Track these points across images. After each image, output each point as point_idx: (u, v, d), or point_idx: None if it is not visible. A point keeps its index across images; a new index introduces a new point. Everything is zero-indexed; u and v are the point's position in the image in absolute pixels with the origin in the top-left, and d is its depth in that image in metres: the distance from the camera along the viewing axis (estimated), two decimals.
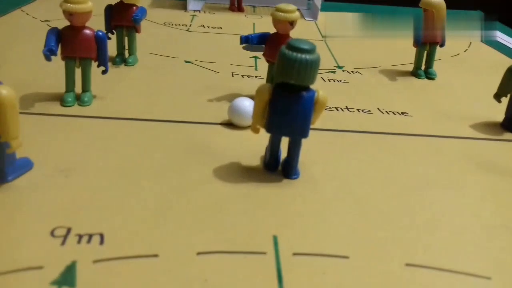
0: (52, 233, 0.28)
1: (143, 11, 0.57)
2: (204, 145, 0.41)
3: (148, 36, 0.66)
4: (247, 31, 0.78)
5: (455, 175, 0.40)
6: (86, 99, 0.46)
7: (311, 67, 0.32)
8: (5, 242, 0.28)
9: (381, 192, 0.36)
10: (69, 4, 0.43)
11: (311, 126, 0.36)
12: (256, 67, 0.62)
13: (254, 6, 0.95)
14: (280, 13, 0.46)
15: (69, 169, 0.35)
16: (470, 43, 0.82)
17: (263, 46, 0.49)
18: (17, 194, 0.32)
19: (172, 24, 0.79)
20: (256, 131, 0.36)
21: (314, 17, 0.90)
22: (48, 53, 0.43)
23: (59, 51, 0.44)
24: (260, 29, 0.80)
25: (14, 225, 0.29)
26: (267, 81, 0.50)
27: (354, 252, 0.29)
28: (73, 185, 0.34)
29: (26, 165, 0.35)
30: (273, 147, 0.37)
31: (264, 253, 0.28)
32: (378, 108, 0.51)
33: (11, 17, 0.74)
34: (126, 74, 0.55)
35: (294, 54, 0.32)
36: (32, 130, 0.41)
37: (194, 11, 0.88)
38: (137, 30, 0.58)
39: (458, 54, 0.74)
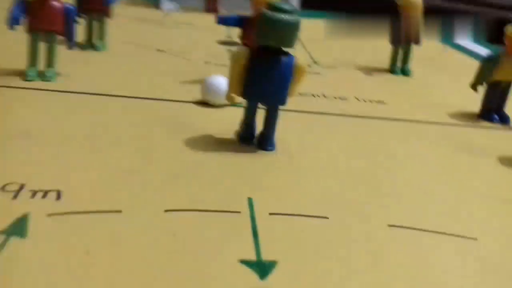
0: (2, 188, 0.25)
1: None
2: (175, 121, 0.39)
3: (119, 27, 0.65)
4: (223, 29, 0.78)
5: (433, 152, 0.39)
6: (49, 74, 0.44)
7: (292, 28, 0.31)
8: None
9: (360, 165, 0.35)
10: None
11: (290, 98, 0.34)
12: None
13: (228, 10, 0.95)
14: None
15: (29, 133, 0.33)
16: (443, 47, 0.83)
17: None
18: None
19: (145, 20, 0.77)
20: (231, 99, 0.34)
21: None
22: (14, 24, 0.40)
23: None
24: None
25: None
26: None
27: (334, 213, 0.27)
28: (32, 147, 0.31)
29: None
30: (248, 117, 0.35)
31: (238, 212, 0.26)
32: (354, 97, 0.50)
33: None
34: (94, 58, 0.53)
35: (275, 14, 0.31)
36: None
37: (168, 11, 0.87)
38: (107, 14, 0.56)
39: (432, 56, 0.75)
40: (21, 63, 0.44)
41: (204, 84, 0.42)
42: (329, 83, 0.54)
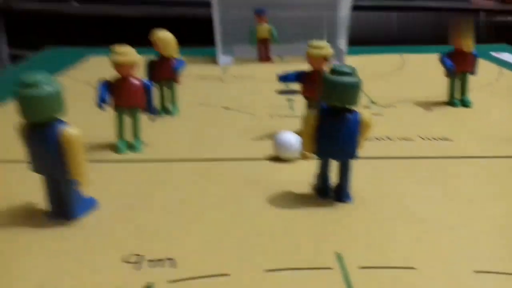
0: (125, 260, 0.29)
1: (182, 62, 0.60)
2: (254, 179, 0.42)
3: (184, 89, 0.70)
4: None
5: (508, 189, 0.40)
6: (137, 145, 0.49)
7: (352, 88, 0.34)
8: (83, 270, 0.29)
9: (437, 209, 0.37)
10: (117, 56, 0.46)
11: (359, 149, 0.37)
12: (291, 108, 0.64)
13: (281, 56, 0.99)
14: (314, 50, 0.48)
15: (133, 206, 0.37)
16: (499, 71, 0.83)
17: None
18: (87, 229, 0.34)
19: (206, 77, 0.82)
20: (305, 157, 0.37)
21: (340, 60, 0.93)
22: (102, 103, 0.46)
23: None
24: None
25: (87, 256, 0.30)
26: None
27: (421, 263, 0.29)
28: (139, 218, 0.35)
29: (91, 203, 0.36)
30: (323, 172, 0.38)
31: (330, 268, 0.29)
32: (418, 136, 0.52)
33: None
34: (171, 123, 0.58)
35: (336, 77, 0.34)
36: (92, 176, 0.43)
37: (224, 64, 0.92)
38: (176, 80, 0.61)
39: (490, 83, 0.75)
40: (111, 137, 0.49)
41: (275, 141, 0.46)
42: (391, 124, 0.56)
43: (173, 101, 0.62)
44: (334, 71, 0.35)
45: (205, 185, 0.41)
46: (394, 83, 0.76)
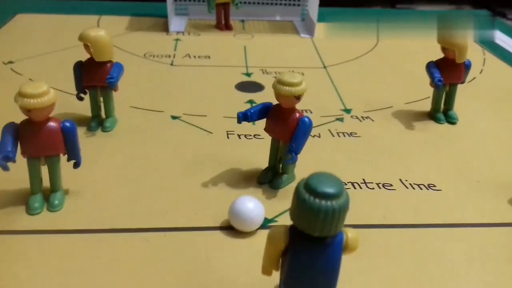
0: None
1: (119, 69, 0.48)
2: (203, 260, 0.34)
3: (128, 75, 0.58)
4: (238, 58, 0.71)
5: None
6: (56, 202, 0.38)
7: (339, 215, 0.25)
8: None
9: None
10: (26, 99, 0.34)
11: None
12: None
13: (243, 21, 0.87)
14: (284, 87, 0.38)
15: None
16: (484, 59, 0.74)
17: None
18: None
19: (154, 56, 0.70)
20: (268, 273, 0.29)
21: (311, 33, 0.81)
22: (4, 163, 0.35)
23: (18, 152, 0.36)
24: (252, 53, 0.72)
25: None
26: (270, 160, 0.43)
27: None
28: None
29: None
30: None
31: None
32: (400, 180, 0.44)
33: None
34: (103, 146, 0.47)
35: (318, 201, 0.24)
36: None
37: (177, 32, 0.79)
38: (113, 89, 0.50)
39: (474, 78, 0.67)
40: (25, 188, 0.39)
41: (231, 211, 0.36)
42: (368, 155, 0.48)
43: (108, 113, 0.51)
44: (313, 191, 0.24)
45: (139, 276, 0.32)
46: (373, 80, 0.66)
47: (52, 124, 0.37)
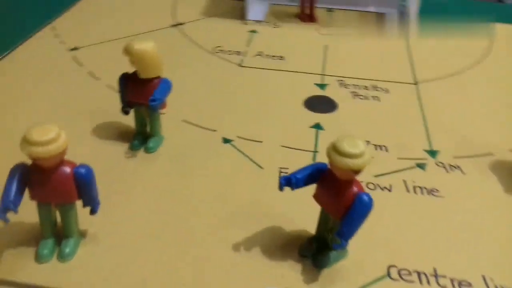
0: None
1: (164, 89, 0.42)
2: None
3: (190, 75, 0.51)
4: (315, 61, 0.62)
5: None
6: (67, 250, 0.34)
7: None
8: None
9: None
10: (32, 147, 0.30)
11: None
12: (315, 151, 0.46)
13: (330, 10, 0.76)
14: (340, 158, 0.30)
15: None
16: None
17: None
18: None
19: (223, 51, 0.63)
20: None
21: (406, 31, 0.69)
22: (4, 215, 0.31)
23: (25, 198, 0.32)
24: (332, 56, 0.63)
25: None
26: (317, 228, 0.35)
27: None
28: None
29: None
30: None
31: None
32: (483, 278, 0.34)
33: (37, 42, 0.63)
34: (140, 174, 0.42)
35: None
36: None
37: (256, 21, 0.71)
38: (161, 107, 0.44)
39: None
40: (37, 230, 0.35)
41: None
42: (465, 246, 0.38)
43: (153, 131, 0.45)
44: None
45: None
46: (477, 105, 0.54)
47: (63, 170, 0.32)
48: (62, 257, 0.34)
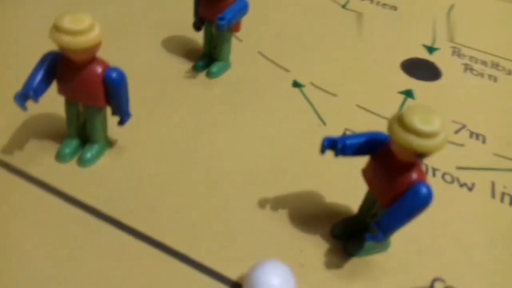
0: None
1: (237, 9, 0.37)
2: None
3: (283, 3, 0.44)
4: (430, 20, 0.53)
5: None
6: (88, 155, 0.32)
7: None
8: None
9: None
10: (62, 36, 0.26)
11: None
12: None
13: None
14: (404, 133, 0.23)
15: None
16: None
17: None
18: None
19: None
20: None
21: None
22: (22, 101, 0.28)
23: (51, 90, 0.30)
24: (456, 16, 0.53)
25: None
26: (360, 210, 0.29)
27: None
28: None
29: None
30: None
31: None
32: None
33: None
34: (190, 99, 0.38)
35: None
36: None
37: None
38: (232, 29, 0.39)
39: None
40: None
41: (247, 280, 0.25)
42: None
43: (220, 56, 0.41)
44: None
45: None
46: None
47: (94, 68, 0.28)
48: (81, 162, 0.32)
